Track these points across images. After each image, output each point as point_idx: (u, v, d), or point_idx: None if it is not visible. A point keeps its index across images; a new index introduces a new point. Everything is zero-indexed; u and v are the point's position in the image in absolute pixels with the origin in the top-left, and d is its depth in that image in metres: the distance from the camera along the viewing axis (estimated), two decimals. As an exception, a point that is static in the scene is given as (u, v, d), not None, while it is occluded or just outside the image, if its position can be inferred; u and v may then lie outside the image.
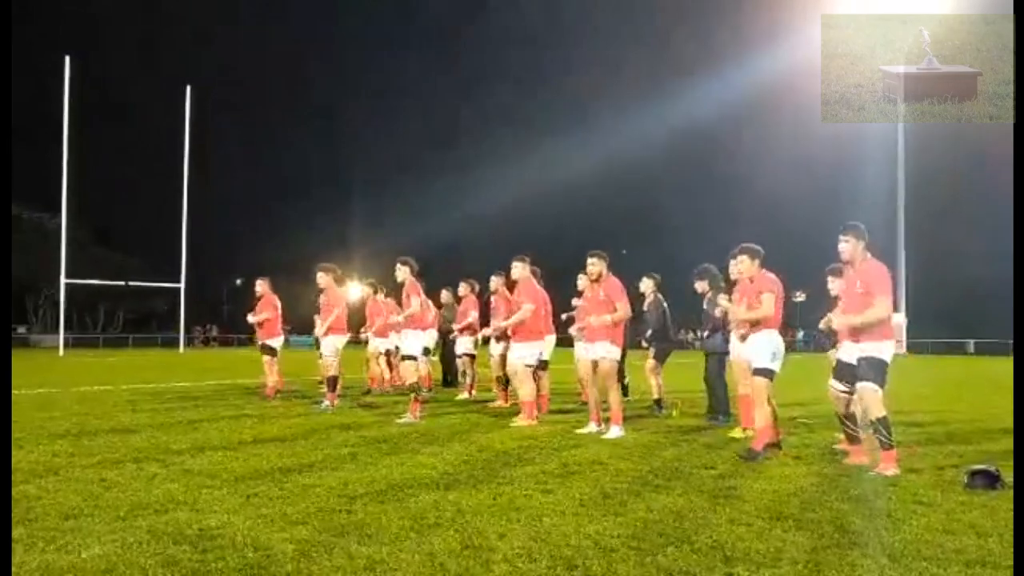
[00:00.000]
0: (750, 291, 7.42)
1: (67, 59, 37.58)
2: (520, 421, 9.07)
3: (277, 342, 12.37)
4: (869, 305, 6.12)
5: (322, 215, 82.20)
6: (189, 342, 47.19)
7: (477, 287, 12.56)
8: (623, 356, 11.93)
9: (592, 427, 8.49)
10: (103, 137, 59.59)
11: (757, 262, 7.41)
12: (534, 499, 5.10)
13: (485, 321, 11.93)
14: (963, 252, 58.94)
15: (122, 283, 46.48)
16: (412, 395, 9.56)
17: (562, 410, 10.69)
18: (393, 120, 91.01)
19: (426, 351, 12.20)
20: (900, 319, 52.80)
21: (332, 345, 11.01)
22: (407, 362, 9.76)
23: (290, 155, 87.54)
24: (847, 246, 6.28)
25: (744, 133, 71.70)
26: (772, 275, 7.34)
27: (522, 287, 9.61)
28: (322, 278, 11.20)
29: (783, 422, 7.86)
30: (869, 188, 57.88)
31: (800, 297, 48.21)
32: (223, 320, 68.49)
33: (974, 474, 5.64)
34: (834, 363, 6.81)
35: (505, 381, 11.26)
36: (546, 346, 10.32)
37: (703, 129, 70.72)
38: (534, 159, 76.52)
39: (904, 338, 52.73)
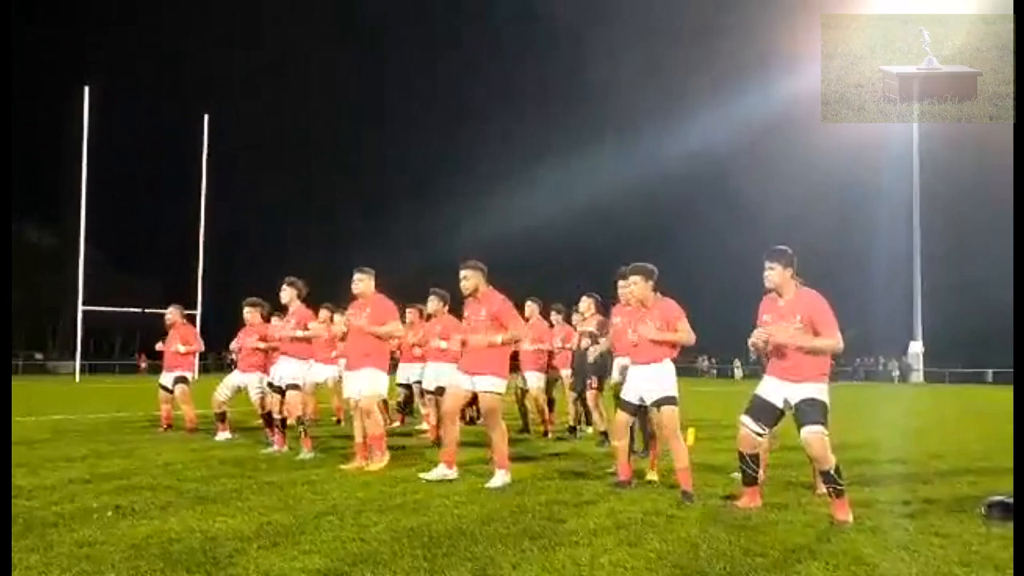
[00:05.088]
0: (646, 317, 6.48)
1: (86, 89, 38.32)
2: (373, 464, 7.66)
3: (189, 374, 11.65)
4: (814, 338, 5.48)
5: (342, 241, 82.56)
6: (204, 369, 47.36)
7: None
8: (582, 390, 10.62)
9: (441, 470, 6.97)
10: (121, 164, 60.21)
11: (651, 283, 6.53)
12: (547, 529, 5.08)
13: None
14: (981, 277, 58.29)
15: (139, 310, 46.78)
16: (301, 429, 8.55)
17: (560, 438, 10.55)
18: (408, 143, 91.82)
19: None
20: (917, 348, 52.38)
21: (258, 382, 9.96)
22: (292, 392, 8.80)
23: (310, 182, 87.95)
24: (773, 274, 5.61)
25: (758, 157, 71.61)
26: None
27: (371, 302, 8.04)
28: (250, 312, 10.14)
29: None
30: (884, 210, 57.70)
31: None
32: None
33: (992, 506, 5.57)
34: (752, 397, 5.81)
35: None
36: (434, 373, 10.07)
37: (718, 152, 70.84)
38: (547, 182, 76.99)
39: (921, 367, 52.26)
